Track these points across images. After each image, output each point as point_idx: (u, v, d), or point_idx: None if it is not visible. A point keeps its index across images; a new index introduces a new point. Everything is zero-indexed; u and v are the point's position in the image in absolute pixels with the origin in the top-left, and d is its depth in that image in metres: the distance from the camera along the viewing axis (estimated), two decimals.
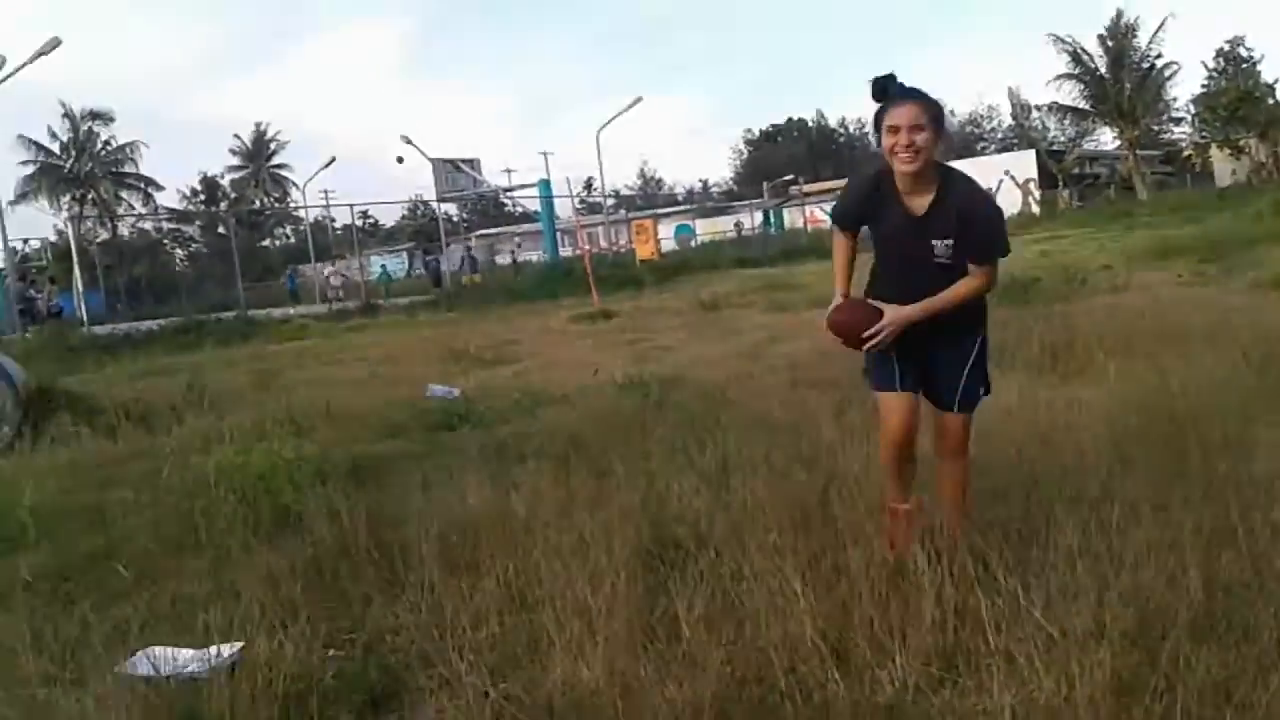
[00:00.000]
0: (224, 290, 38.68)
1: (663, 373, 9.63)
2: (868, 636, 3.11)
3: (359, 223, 48.05)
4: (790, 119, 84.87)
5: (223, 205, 67.90)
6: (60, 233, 50.44)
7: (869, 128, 68.00)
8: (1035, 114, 65.75)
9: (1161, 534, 3.55)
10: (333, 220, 58.97)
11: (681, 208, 61.99)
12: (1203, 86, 55.34)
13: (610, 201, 52.46)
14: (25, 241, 43.51)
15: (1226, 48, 55.74)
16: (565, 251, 44.46)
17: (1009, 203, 45.52)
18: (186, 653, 3.51)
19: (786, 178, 55.86)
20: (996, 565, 3.49)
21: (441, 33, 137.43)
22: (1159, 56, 50.53)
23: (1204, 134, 56.36)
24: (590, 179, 68.22)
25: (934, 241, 3.59)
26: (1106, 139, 59.37)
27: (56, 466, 7.25)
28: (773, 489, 4.32)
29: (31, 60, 25.04)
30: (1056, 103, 54.58)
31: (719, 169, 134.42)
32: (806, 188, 52.80)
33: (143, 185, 60.87)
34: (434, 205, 47.20)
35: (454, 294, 30.80)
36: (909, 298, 3.67)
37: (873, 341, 3.68)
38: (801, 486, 4.36)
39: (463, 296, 28.81)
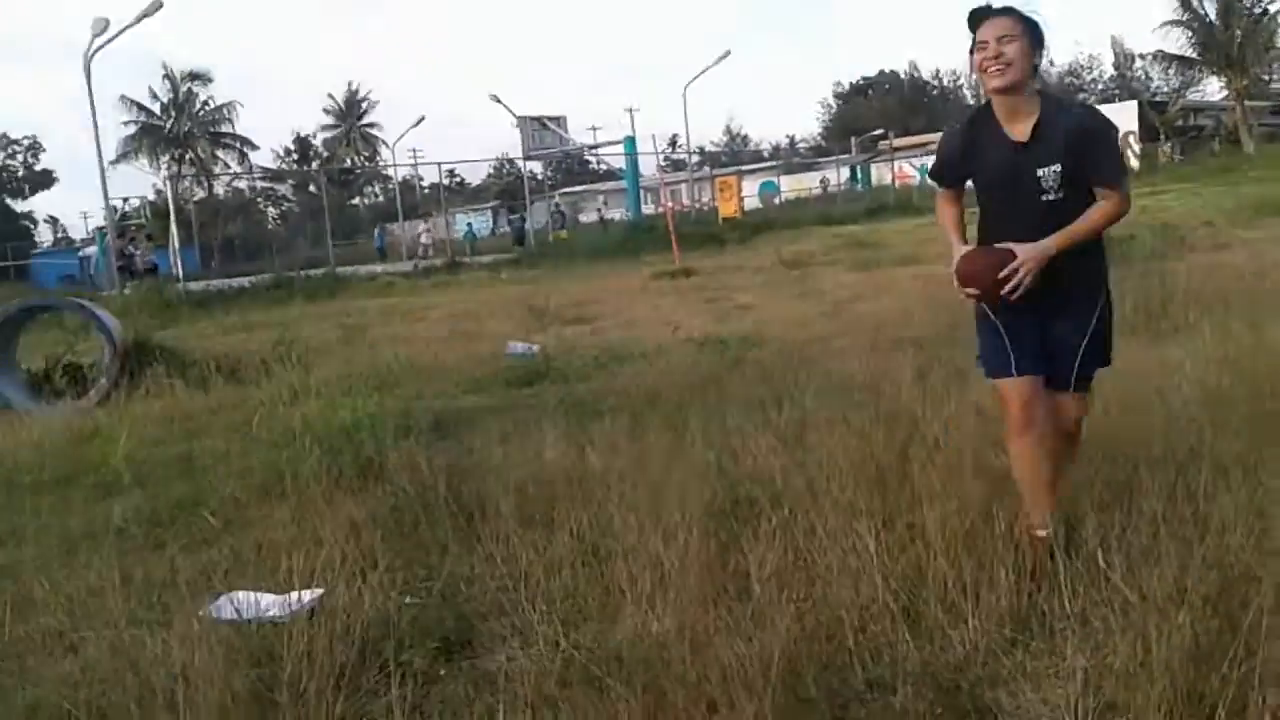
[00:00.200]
0: (314, 248, 39.45)
1: (742, 331, 9.60)
2: (940, 598, 3.07)
3: (445, 181, 48.45)
4: (882, 71, 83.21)
5: (314, 164, 69.07)
6: (159, 191, 51.90)
7: (964, 79, 66.06)
8: (1139, 63, 63.61)
9: (1250, 499, 3.43)
10: (420, 179, 59.70)
11: (767, 164, 61.35)
12: None
13: (695, 158, 52.11)
14: (125, 200, 44.80)
15: None
16: (648, 209, 44.36)
17: None
18: (268, 597, 3.61)
19: (875, 132, 54.86)
20: (1078, 527, 3.42)
21: None
22: (1273, 1, 48.33)
23: None
24: (675, 136, 67.82)
25: (1040, 170, 3.24)
26: (1213, 89, 57.12)
27: (150, 417, 7.50)
28: (849, 449, 4.27)
29: (135, 22, 25.64)
30: (1162, 51, 52.53)
31: (806, 124, 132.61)
32: (896, 142, 51.72)
33: (238, 145, 62.17)
34: (519, 163, 47.41)
35: (536, 252, 30.96)
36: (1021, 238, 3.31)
37: (1012, 283, 3.24)
38: (879, 447, 4.30)
39: (545, 254, 28.94)
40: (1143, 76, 64.63)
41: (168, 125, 59.56)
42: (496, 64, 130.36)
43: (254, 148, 63.16)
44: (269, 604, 3.54)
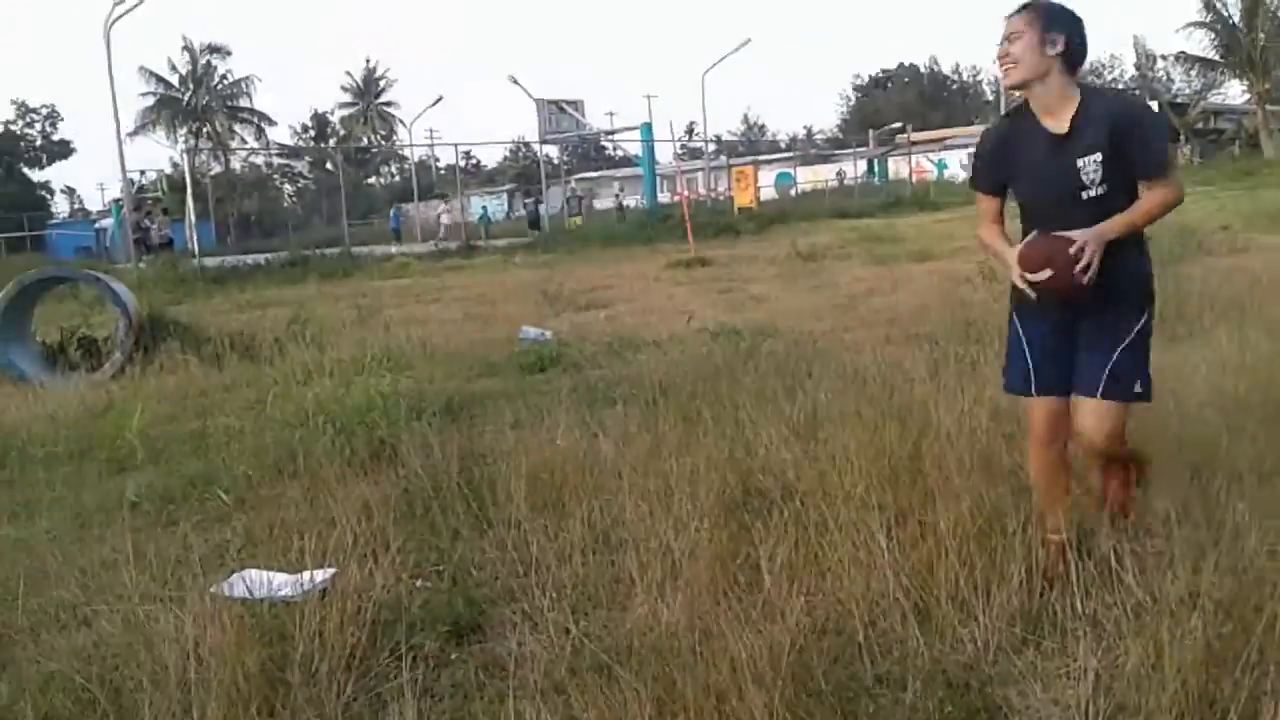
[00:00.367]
0: (329, 226, 39.49)
1: (756, 322, 9.58)
2: (951, 595, 3.07)
3: (461, 163, 48.43)
4: (901, 64, 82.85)
5: (331, 142, 69.12)
6: (175, 165, 51.95)
7: (983, 74, 65.58)
8: (1160, 64, 63.14)
9: (1266, 504, 3.43)
10: (436, 160, 59.70)
11: (784, 155, 61.14)
12: None
13: (711, 147, 51.96)
14: (142, 173, 44.90)
15: None
16: (664, 197, 44.28)
17: None
18: (280, 576, 3.63)
19: (894, 126, 54.62)
20: (1091, 528, 3.42)
21: None
22: None
23: None
24: (692, 124, 67.69)
25: (1079, 160, 3.11)
26: (1234, 92, 56.71)
27: (164, 392, 7.54)
28: (862, 443, 4.27)
29: None
30: (1184, 53, 52.23)
31: (824, 116, 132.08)
32: (915, 136, 51.48)
33: (256, 120, 62.31)
34: (536, 147, 47.36)
35: (551, 237, 30.93)
36: None
37: (1084, 262, 3.02)
38: (892, 442, 4.30)
39: (560, 239, 28.92)
40: (1164, 77, 64.17)
41: (186, 98, 59.72)
42: (515, 45, 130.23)
43: (271, 123, 63.40)
44: (281, 583, 3.56)
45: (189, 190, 31.50)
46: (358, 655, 3.02)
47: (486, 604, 3.51)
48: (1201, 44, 50.21)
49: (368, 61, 74.06)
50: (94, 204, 65.45)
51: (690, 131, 66.67)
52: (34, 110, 59.48)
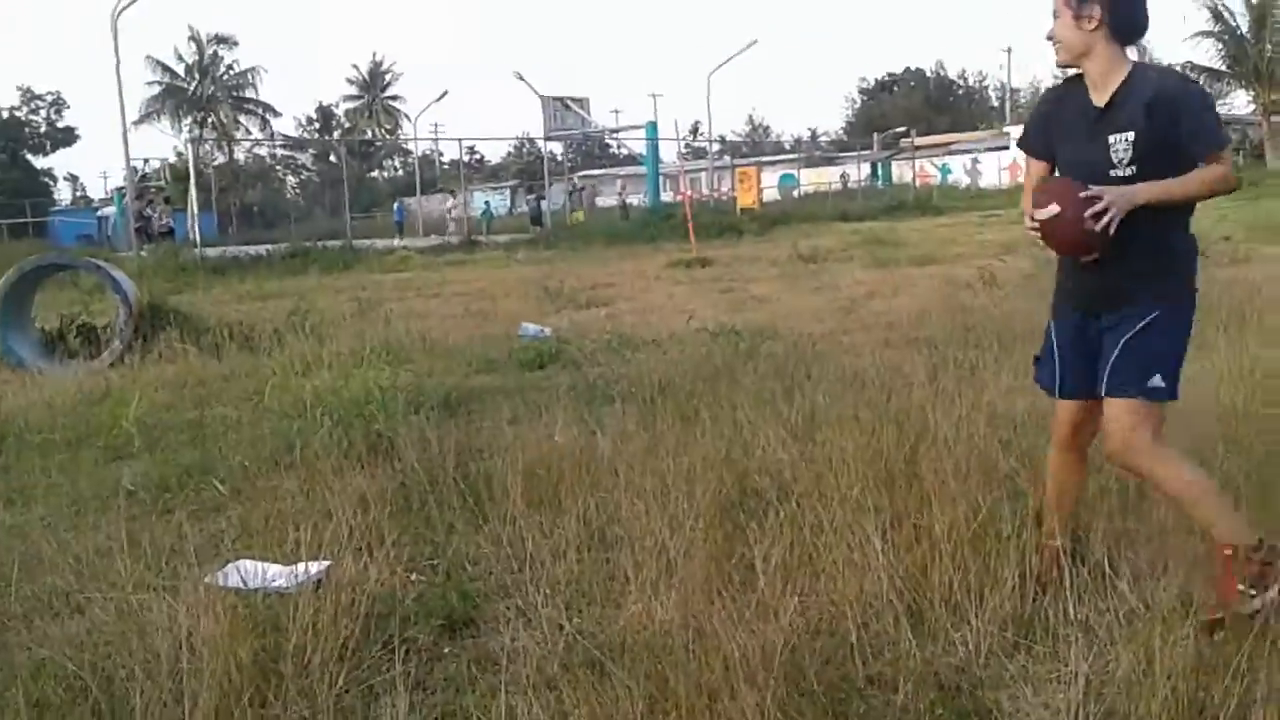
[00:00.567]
0: (331, 219, 39.47)
1: (756, 323, 9.58)
2: (944, 598, 3.08)
3: (465, 158, 48.44)
4: (908, 68, 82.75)
5: (335, 134, 69.12)
6: (179, 154, 51.90)
7: (989, 79, 65.53)
8: None
9: (1260, 515, 3.42)
10: (440, 154, 59.72)
11: (787, 156, 61.15)
12: None
13: (715, 147, 51.97)
14: (145, 161, 44.85)
15: None
16: (667, 196, 44.27)
17: None
18: (275, 567, 3.63)
19: (898, 129, 54.65)
20: (1084, 535, 3.43)
21: None
22: None
23: None
24: (697, 123, 67.67)
25: (1111, 137, 2.99)
26: (1240, 103, 56.68)
27: (162, 381, 7.54)
28: (859, 445, 4.27)
29: None
30: (1190, 63, 52.14)
31: (829, 118, 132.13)
32: (919, 141, 51.53)
33: (260, 111, 62.33)
34: (540, 143, 47.38)
35: (553, 233, 30.93)
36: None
37: (1097, 207, 2.89)
38: (889, 445, 4.30)
39: (561, 236, 28.91)
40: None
41: (191, 88, 59.73)
42: (522, 42, 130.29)
43: (276, 115, 63.41)
44: (275, 574, 3.56)
45: (192, 180, 31.40)
46: (351, 647, 3.02)
47: (480, 599, 3.51)
48: (1209, 54, 50.16)
49: (373, 55, 74.07)
50: (96, 192, 65.54)
51: (695, 131, 66.70)
52: (39, 97, 59.54)
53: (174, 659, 2.86)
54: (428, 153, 60.16)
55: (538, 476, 4.52)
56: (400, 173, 72.53)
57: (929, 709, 2.55)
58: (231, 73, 60.86)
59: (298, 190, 67.68)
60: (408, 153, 70.85)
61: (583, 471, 4.51)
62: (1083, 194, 2.93)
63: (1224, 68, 50.62)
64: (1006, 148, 50.16)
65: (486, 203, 50.98)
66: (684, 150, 44.37)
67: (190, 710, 2.66)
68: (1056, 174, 3.25)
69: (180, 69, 59.69)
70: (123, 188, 30.36)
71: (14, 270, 9.47)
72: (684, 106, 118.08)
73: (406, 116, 69.01)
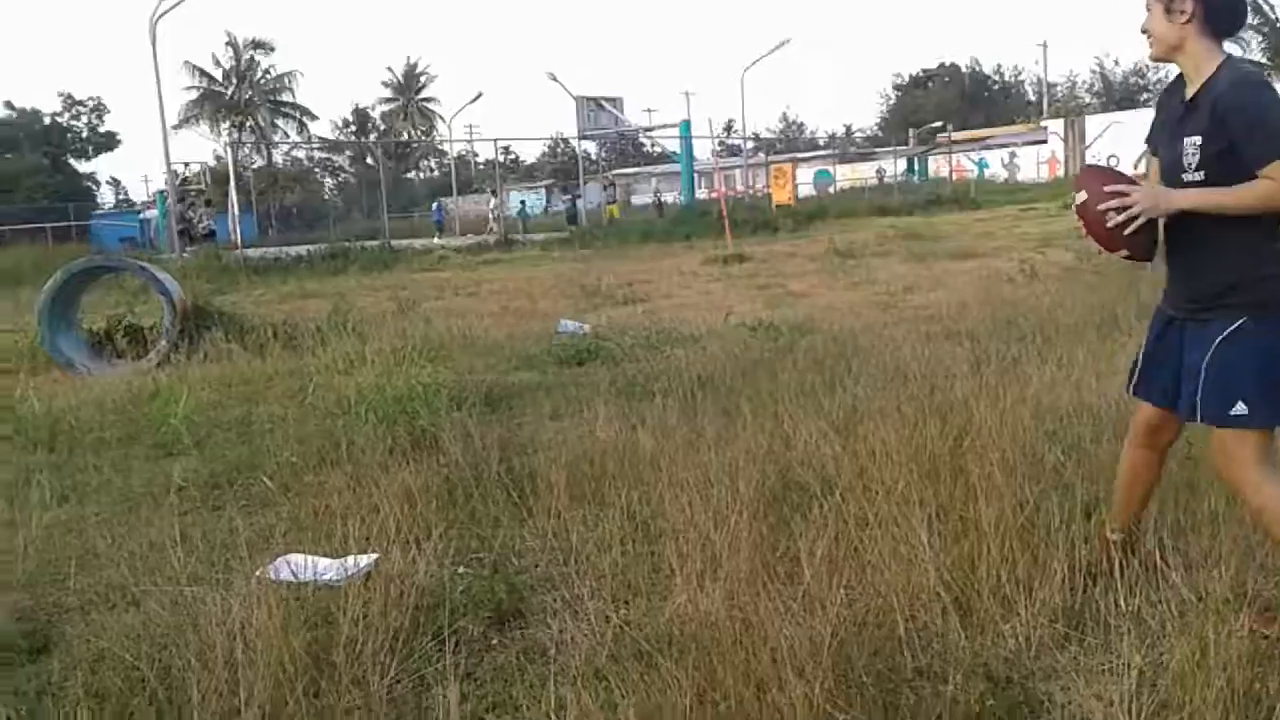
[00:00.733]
0: (369, 219, 39.74)
1: (794, 318, 9.57)
2: (993, 590, 3.06)
3: (500, 158, 48.64)
4: (943, 64, 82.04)
5: (372, 136, 69.63)
6: (219, 158, 52.55)
7: (1025, 74, 64.82)
8: None
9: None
10: (475, 155, 60.01)
11: (822, 153, 60.88)
12: None
13: (750, 144, 51.84)
14: (186, 165, 45.34)
15: None
16: (702, 194, 44.22)
17: None
18: (325, 561, 3.68)
19: (934, 125, 54.28)
20: (1135, 527, 3.40)
21: None
22: None
23: None
24: (731, 121, 67.58)
25: (1185, 140, 2.85)
26: None
27: (208, 380, 7.63)
28: (902, 439, 4.26)
29: None
30: (1230, 55, 51.38)
31: (864, 115, 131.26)
32: (955, 136, 51.15)
33: (298, 114, 62.93)
34: (574, 143, 47.47)
35: (589, 232, 30.97)
36: (1167, 239, 2.96)
37: (1117, 202, 2.84)
38: (933, 438, 4.28)
39: (597, 235, 28.96)
40: None
41: (229, 92, 60.43)
42: (555, 43, 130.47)
43: (313, 118, 64.02)
44: (325, 567, 3.60)
45: (232, 183, 31.85)
46: (401, 638, 3.05)
47: (527, 591, 3.54)
48: (1249, 48, 49.34)
49: (408, 58, 74.65)
50: (138, 195, 66.27)
51: (729, 129, 66.60)
52: (80, 103, 60.26)
53: (229, 650, 2.90)
54: (463, 153, 60.52)
55: (581, 471, 4.55)
56: (436, 173, 72.94)
57: (979, 700, 2.54)
58: (269, 77, 61.57)
59: (335, 192, 68.23)
60: (443, 153, 71.31)
61: (625, 466, 4.53)
62: (1109, 186, 2.86)
63: (1265, 60, 49.81)
64: (1045, 141, 49.68)
65: (522, 202, 51.11)
66: (718, 148, 44.27)
67: (246, 699, 2.70)
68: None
69: (218, 74, 60.46)
70: (164, 191, 30.73)
71: (61, 273, 9.62)
72: (718, 104, 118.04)
73: (441, 118, 69.57)
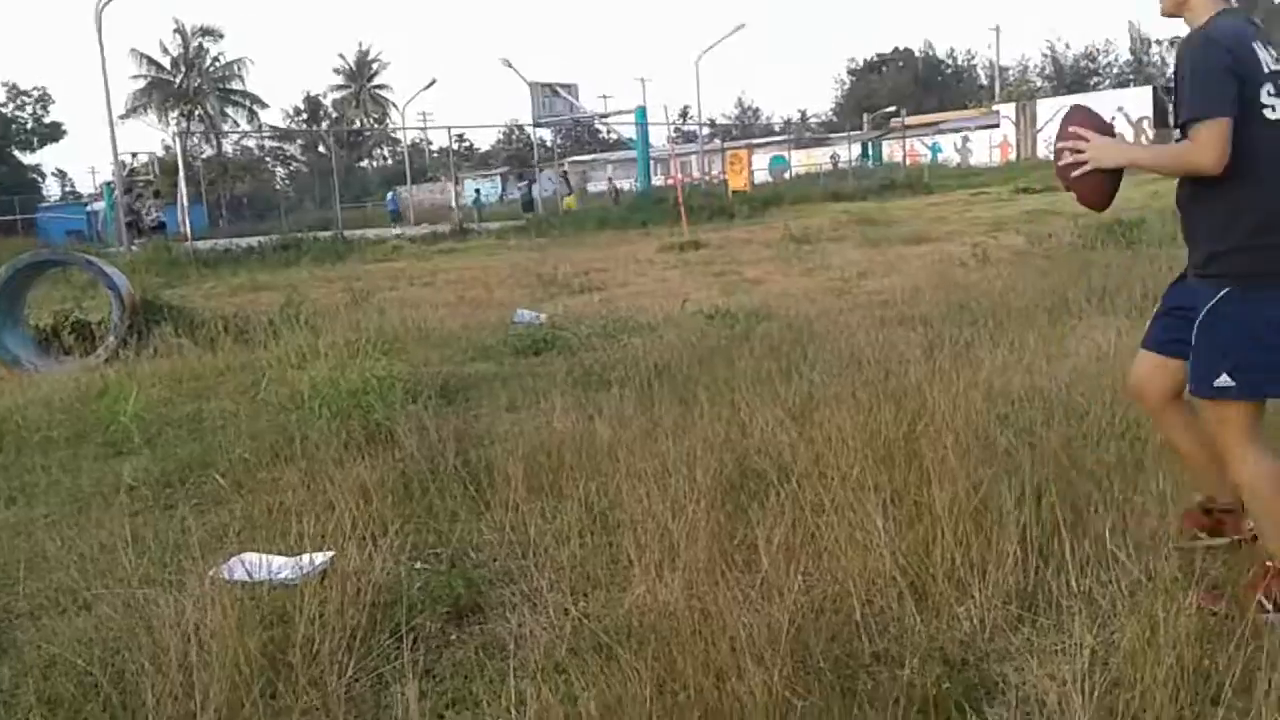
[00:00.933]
0: (321, 209, 39.34)
1: (750, 305, 9.59)
2: (947, 573, 3.09)
3: (454, 146, 48.29)
4: (896, 48, 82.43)
5: (324, 125, 68.87)
6: (167, 148, 51.70)
7: (978, 58, 65.23)
8: (1155, 48, 63.11)
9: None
10: (429, 143, 59.58)
11: (777, 138, 61.00)
12: None
13: (705, 131, 51.85)
14: (134, 155, 44.58)
15: None
16: (658, 180, 44.18)
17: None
18: (279, 559, 3.64)
19: (888, 109, 54.53)
20: (1085, 508, 3.45)
21: None
22: None
23: None
24: (686, 107, 67.55)
25: (1173, 98, 2.84)
26: None
27: (159, 376, 7.53)
28: (858, 424, 4.28)
29: None
30: (1178, 37, 51.98)
31: (819, 101, 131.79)
32: (908, 121, 51.42)
33: (248, 103, 62.09)
34: (529, 130, 47.22)
35: (545, 220, 30.86)
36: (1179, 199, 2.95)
37: (1068, 144, 2.92)
38: (887, 424, 4.31)
39: (553, 223, 28.86)
40: (1159, 61, 64.14)
41: (177, 80, 59.46)
42: (509, 29, 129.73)
43: (264, 106, 63.22)
44: (280, 566, 3.57)
45: (181, 173, 31.30)
46: (358, 636, 3.03)
47: (485, 585, 3.52)
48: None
49: (360, 44, 73.84)
50: (85, 187, 65.21)
51: (684, 115, 66.58)
52: (25, 93, 59.09)
53: (183, 653, 2.86)
54: (417, 141, 60.04)
55: (538, 462, 4.54)
56: (389, 162, 72.27)
57: (935, 684, 2.57)
58: (217, 65, 60.64)
59: (287, 181, 67.40)
60: (396, 142, 70.66)
61: (582, 456, 4.52)
62: (1073, 128, 2.90)
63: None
64: (997, 125, 50.11)
65: (477, 190, 50.80)
66: (674, 134, 44.24)
67: (202, 703, 2.67)
68: None
69: (166, 62, 59.46)
70: (111, 182, 30.21)
71: (5, 268, 9.44)
72: (673, 91, 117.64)
73: (394, 105, 68.93)
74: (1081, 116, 3.03)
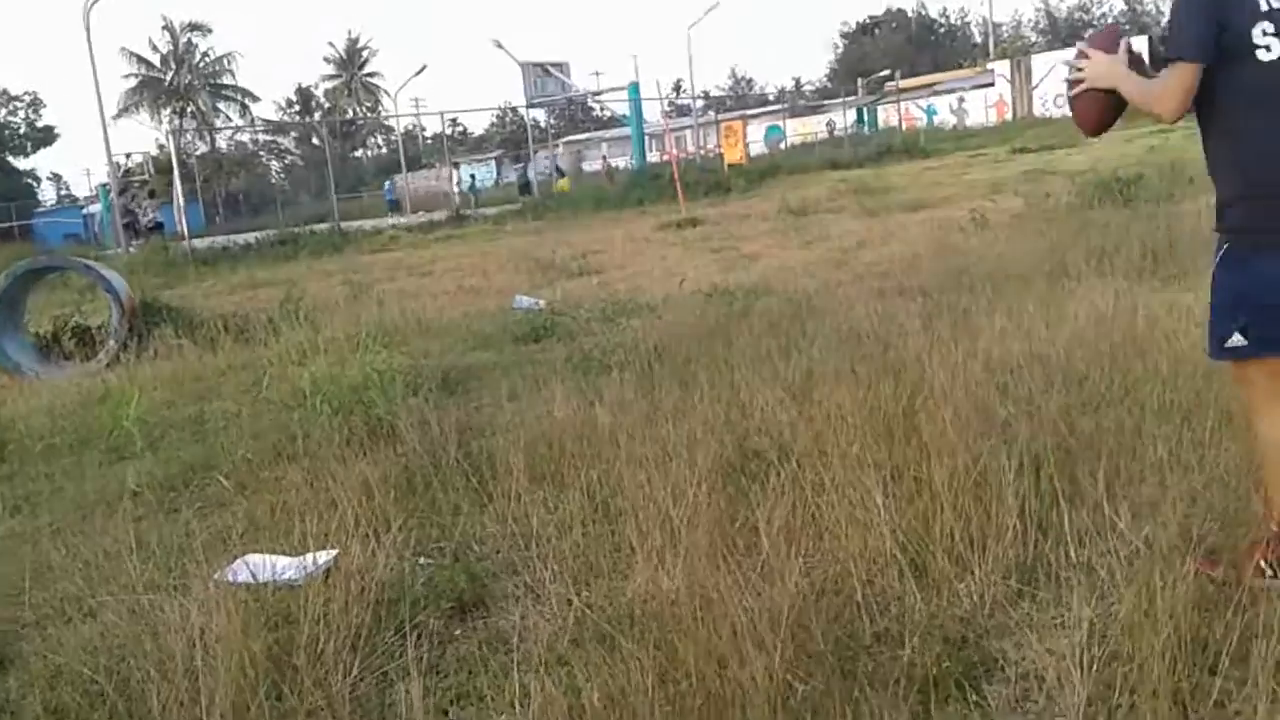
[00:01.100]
0: (317, 201, 39.27)
1: (748, 281, 9.58)
2: (947, 550, 3.10)
3: (448, 131, 48.14)
4: (889, 10, 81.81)
5: (316, 115, 68.64)
6: (161, 146, 51.54)
7: (971, 16, 64.66)
8: None
9: (1254, 447, 3.44)
10: (423, 129, 59.34)
11: (772, 108, 60.68)
12: None
13: (699, 103, 51.63)
14: (128, 155, 44.49)
15: None
16: (653, 157, 43.98)
17: None
18: (283, 560, 3.66)
19: (882, 73, 54.18)
20: (1084, 477, 3.44)
21: None
22: None
23: None
24: (679, 81, 67.27)
25: None
26: None
27: (160, 378, 7.54)
28: (857, 401, 4.28)
29: None
30: None
31: (813, 68, 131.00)
32: (903, 83, 51.05)
33: (239, 97, 61.87)
34: (522, 112, 47.06)
35: (541, 203, 30.76)
36: None
37: (1075, 61, 2.88)
38: (886, 399, 4.31)
39: (550, 205, 28.77)
40: (1153, 10, 63.65)
41: (168, 77, 59.25)
42: (498, 9, 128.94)
43: (255, 100, 62.99)
44: (284, 566, 3.58)
45: (175, 172, 31.21)
46: (363, 635, 3.05)
47: (489, 578, 3.54)
48: None
49: (350, 33, 73.47)
50: (80, 190, 65.19)
51: (677, 89, 66.30)
52: (16, 98, 59.01)
53: (188, 658, 2.88)
54: (410, 128, 59.84)
55: (539, 452, 4.54)
56: (384, 150, 72.03)
57: (935, 662, 2.58)
58: (208, 60, 60.39)
59: (282, 175, 67.20)
60: (390, 130, 70.44)
61: (584, 444, 4.52)
62: (1083, 46, 2.86)
63: None
64: (992, 84, 49.74)
65: (472, 175, 50.61)
66: (668, 109, 44.05)
67: (207, 708, 2.69)
68: None
69: (156, 60, 59.24)
70: (107, 184, 30.18)
71: (5, 276, 9.45)
72: (665, 65, 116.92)
73: (386, 93, 68.68)
74: (1101, 39, 2.94)
